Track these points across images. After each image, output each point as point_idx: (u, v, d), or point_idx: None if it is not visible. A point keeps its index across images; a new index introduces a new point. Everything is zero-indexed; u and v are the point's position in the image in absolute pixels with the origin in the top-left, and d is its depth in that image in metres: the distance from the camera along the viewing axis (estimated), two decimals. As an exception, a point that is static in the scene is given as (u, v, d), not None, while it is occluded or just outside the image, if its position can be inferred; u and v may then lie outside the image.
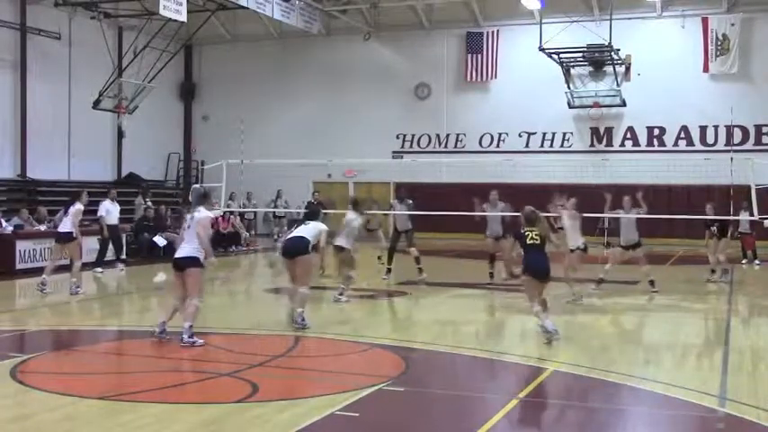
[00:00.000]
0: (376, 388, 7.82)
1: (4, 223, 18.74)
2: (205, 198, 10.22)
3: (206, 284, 16.77)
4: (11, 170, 25.36)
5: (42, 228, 19.29)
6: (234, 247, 24.46)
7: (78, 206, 14.69)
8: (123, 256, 19.55)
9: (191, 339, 9.53)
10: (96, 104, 25.74)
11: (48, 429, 6.60)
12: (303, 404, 7.37)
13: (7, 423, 6.69)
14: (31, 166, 25.67)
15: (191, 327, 9.59)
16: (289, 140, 30.52)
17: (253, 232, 27.67)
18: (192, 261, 9.69)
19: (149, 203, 23.55)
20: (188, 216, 9.95)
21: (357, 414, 7.05)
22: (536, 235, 10.45)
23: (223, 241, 24.34)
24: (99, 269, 17.92)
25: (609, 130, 28.85)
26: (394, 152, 30.52)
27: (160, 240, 21.77)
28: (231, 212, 24.77)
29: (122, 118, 26.87)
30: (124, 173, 29.65)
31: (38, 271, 17.18)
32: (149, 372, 8.77)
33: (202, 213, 9.80)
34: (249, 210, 27.53)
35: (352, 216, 13.65)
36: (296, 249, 10.84)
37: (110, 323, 12.58)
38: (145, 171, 29.98)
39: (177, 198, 29.48)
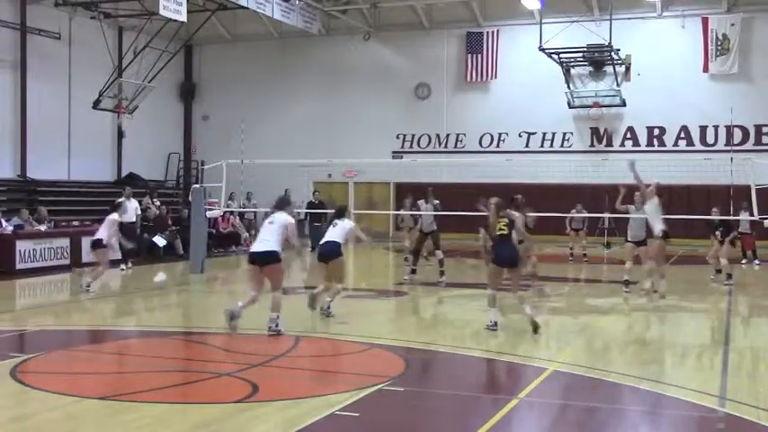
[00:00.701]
0: (376, 388, 7.82)
1: (4, 223, 18.75)
2: (287, 203, 11.22)
3: (207, 284, 16.93)
4: (11, 170, 25.34)
5: (42, 228, 19.31)
6: (234, 247, 24.50)
7: (114, 216, 15.54)
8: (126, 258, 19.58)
9: (277, 328, 10.33)
10: (96, 104, 25.71)
11: (48, 429, 6.60)
12: (303, 404, 7.37)
13: (7, 423, 6.69)
14: (31, 166, 25.65)
15: (278, 317, 10.39)
16: (289, 140, 30.53)
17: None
18: (275, 255, 10.40)
19: (157, 203, 23.58)
20: (270, 216, 10.84)
21: (357, 414, 7.05)
22: (504, 225, 10.90)
23: (223, 241, 24.38)
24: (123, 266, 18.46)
25: (609, 130, 28.86)
26: (394, 152, 30.52)
27: (160, 240, 21.73)
28: (231, 212, 24.79)
29: (122, 118, 26.82)
30: (124, 173, 29.64)
31: (38, 271, 17.23)
32: (149, 372, 8.78)
33: (286, 217, 10.66)
34: (249, 210, 27.53)
35: (515, 214, 14.35)
36: (330, 254, 11.87)
37: (110, 323, 12.56)
38: (145, 171, 29.98)
39: (177, 198, 29.48)
